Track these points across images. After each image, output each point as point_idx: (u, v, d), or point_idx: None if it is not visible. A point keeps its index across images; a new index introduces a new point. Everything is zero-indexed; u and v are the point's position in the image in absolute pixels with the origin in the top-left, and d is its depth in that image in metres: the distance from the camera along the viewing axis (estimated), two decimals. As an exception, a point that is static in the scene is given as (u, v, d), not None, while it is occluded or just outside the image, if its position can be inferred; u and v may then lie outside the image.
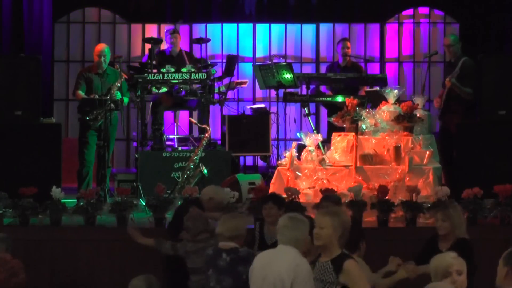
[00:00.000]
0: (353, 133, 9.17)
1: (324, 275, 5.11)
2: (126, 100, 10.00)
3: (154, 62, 10.29)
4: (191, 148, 10.20)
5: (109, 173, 9.92)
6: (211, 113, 11.02)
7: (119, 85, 9.79)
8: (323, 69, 12.02)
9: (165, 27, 11.62)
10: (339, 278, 5.01)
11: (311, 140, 9.17)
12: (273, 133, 10.89)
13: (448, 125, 9.89)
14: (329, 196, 7.36)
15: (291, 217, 5.23)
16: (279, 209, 6.97)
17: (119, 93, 9.78)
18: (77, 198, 8.60)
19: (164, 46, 11.09)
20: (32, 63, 9.41)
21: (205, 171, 9.33)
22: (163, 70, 10.21)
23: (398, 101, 9.32)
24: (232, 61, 10.99)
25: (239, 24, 12.49)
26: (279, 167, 9.17)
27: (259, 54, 12.47)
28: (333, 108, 10.43)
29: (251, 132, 10.88)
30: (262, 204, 7.06)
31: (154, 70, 10.16)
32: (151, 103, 10.71)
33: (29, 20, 11.79)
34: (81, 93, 9.97)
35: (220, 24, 12.45)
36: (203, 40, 10.93)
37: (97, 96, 9.78)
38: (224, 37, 12.46)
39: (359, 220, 7.85)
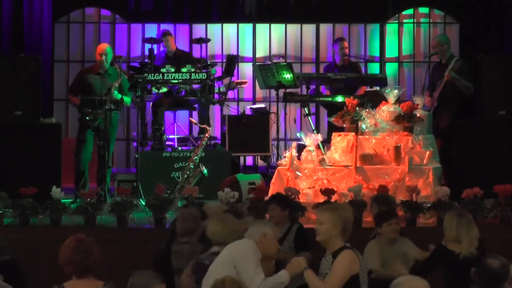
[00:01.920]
0: (353, 133, 9.17)
1: (325, 268, 5.19)
2: (128, 100, 9.97)
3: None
4: (191, 148, 10.21)
5: (110, 173, 9.92)
6: (211, 113, 11.03)
7: (117, 85, 9.76)
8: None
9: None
10: None
11: (311, 140, 9.17)
12: (273, 133, 10.89)
13: (438, 121, 9.88)
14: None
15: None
16: (283, 210, 7.00)
17: (117, 93, 9.75)
18: (74, 197, 8.64)
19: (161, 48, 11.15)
20: (32, 63, 9.42)
21: (205, 171, 9.33)
22: (163, 70, 10.22)
23: (398, 101, 9.32)
24: (232, 61, 10.99)
25: (239, 24, 12.49)
26: (279, 167, 9.17)
27: (259, 54, 12.47)
28: (333, 108, 10.42)
29: (251, 132, 10.87)
30: (266, 205, 7.11)
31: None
32: (151, 103, 10.71)
33: (29, 20, 11.79)
34: (74, 97, 9.92)
35: (220, 24, 12.45)
36: (203, 40, 10.93)
37: (96, 96, 9.76)
38: (224, 37, 12.46)
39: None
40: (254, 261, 5.24)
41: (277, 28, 12.58)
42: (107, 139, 9.63)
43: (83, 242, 4.85)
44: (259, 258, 5.27)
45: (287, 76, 10.70)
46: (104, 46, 10.10)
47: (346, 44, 11.30)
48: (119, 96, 9.73)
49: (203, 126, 10.02)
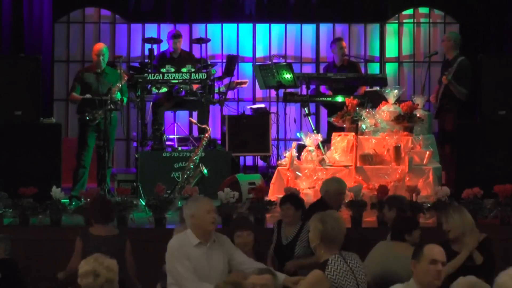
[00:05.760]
0: (353, 133, 9.18)
1: None
2: (125, 100, 9.96)
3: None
4: (191, 148, 10.20)
5: (109, 174, 9.91)
6: (211, 113, 11.03)
7: (120, 86, 9.75)
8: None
9: (168, 30, 11.60)
10: None
11: (311, 140, 9.18)
12: (273, 133, 10.89)
13: (443, 123, 9.89)
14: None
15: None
16: (297, 210, 6.99)
17: (119, 94, 9.75)
18: (69, 197, 8.64)
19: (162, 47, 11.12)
20: (32, 63, 9.41)
21: (205, 171, 9.33)
22: (163, 70, 10.21)
23: (398, 101, 9.33)
24: (232, 61, 10.99)
25: (239, 24, 12.49)
26: (279, 167, 9.18)
27: (259, 54, 12.47)
28: (333, 108, 10.43)
29: (251, 132, 10.87)
30: (280, 205, 7.12)
31: None
32: (151, 103, 10.71)
33: (29, 20, 11.78)
34: (75, 94, 9.91)
35: (220, 24, 12.45)
36: (203, 40, 10.93)
37: (93, 96, 9.72)
38: (224, 37, 12.45)
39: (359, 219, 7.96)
40: None
41: (277, 28, 12.58)
42: (107, 139, 9.62)
43: (107, 202, 7.24)
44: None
45: (287, 76, 10.71)
46: (101, 46, 10.04)
47: (344, 44, 11.31)
48: (119, 96, 9.71)
49: (203, 126, 10.02)
